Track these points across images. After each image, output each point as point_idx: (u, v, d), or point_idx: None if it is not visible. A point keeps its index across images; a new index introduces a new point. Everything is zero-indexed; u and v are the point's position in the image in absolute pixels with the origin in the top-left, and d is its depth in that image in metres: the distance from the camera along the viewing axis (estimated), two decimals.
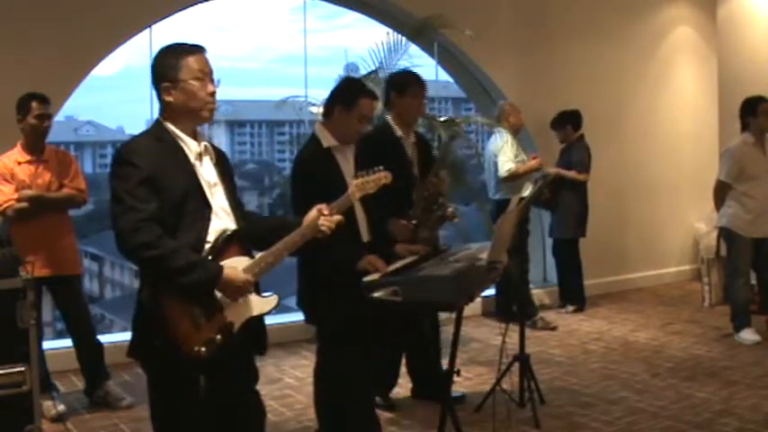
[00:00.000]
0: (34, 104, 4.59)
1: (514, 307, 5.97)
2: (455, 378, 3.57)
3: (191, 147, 2.68)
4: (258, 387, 2.89)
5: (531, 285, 6.93)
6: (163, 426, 2.70)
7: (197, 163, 2.67)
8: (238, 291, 2.59)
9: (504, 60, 7.32)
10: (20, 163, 4.62)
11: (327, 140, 3.67)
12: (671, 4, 8.50)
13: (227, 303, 2.60)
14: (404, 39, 5.85)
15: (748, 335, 5.97)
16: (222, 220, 2.67)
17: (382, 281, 3.18)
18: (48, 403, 4.43)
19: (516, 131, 6.66)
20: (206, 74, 2.66)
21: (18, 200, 4.51)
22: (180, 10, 5.98)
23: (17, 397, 3.52)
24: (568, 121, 7.08)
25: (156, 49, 2.73)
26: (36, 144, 4.66)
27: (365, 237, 3.72)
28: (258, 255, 2.73)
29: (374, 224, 3.77)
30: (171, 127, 2.66)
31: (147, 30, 5.81)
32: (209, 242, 2.62)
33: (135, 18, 5.73)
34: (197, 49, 2.68)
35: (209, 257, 2.59)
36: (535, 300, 7.00)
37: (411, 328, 4.57)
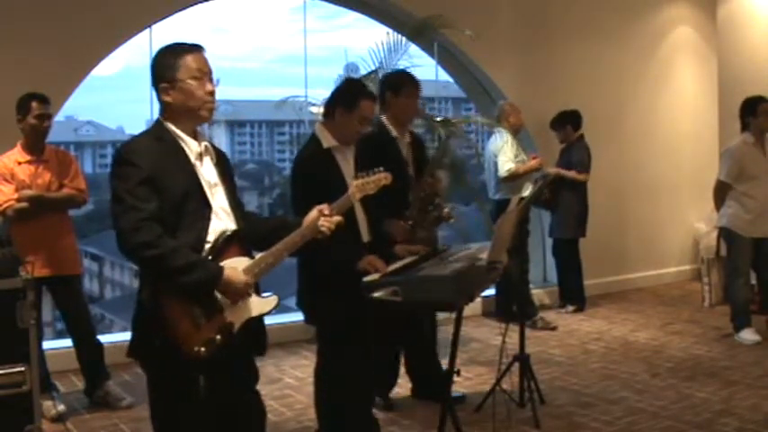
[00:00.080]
0: (34, 104, 4.59)
1: (514, 307, 5.97)
2: (455, 378, 3.57)
3: (191, 147, 2.67)
4: (258, 387, 2.89)
5: (531, 285, 6.93)
6: (163, 426, 2.70)
7: (197, 163, 2.67)
8: (238, 292, 2.59)
9: (504, 60, 7.32)
10: (20, 163, 4.62)
11: (328, 141, 3.67)
12: (671, 4, 8.50)
13: (226, 304, 2.60)
14: (404, 39, 5.84)
15: (748, 335, 5.97)
16: (222, 220, 2.67)
17: (382, 281, 3.18)
18: (48, 403, 4.42)
19: (516, 131, 6.66)
20: (204, 73, 2.66)
21: (18, 200, 4.51)
22: (180, 10, 5.98)
23: (17, 397, 3.52)
24: (568, 121, 7.08)
25: (156, 49, 2.73)
26: (36, 144, 4.66)
27: (365, 237, 3.72)
28: (258, 255, 2.73)
29: (374, 225, 3.78)
30: (171, 127, 2.66)
31: (147, 30, 5.81)
32: (208, 242, 2.61)
33: (135, 18, 5.73)
34: (195, 49, 2.68)
35: (209, 258, 2.60)
36: (535, 300, 7.01)
37: (409, 327, 4.57)
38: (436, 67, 7.18)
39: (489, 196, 6.76)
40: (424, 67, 6.11)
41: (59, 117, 5.67)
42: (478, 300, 6.74)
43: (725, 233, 6.12)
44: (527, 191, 6.35)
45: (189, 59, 2.64)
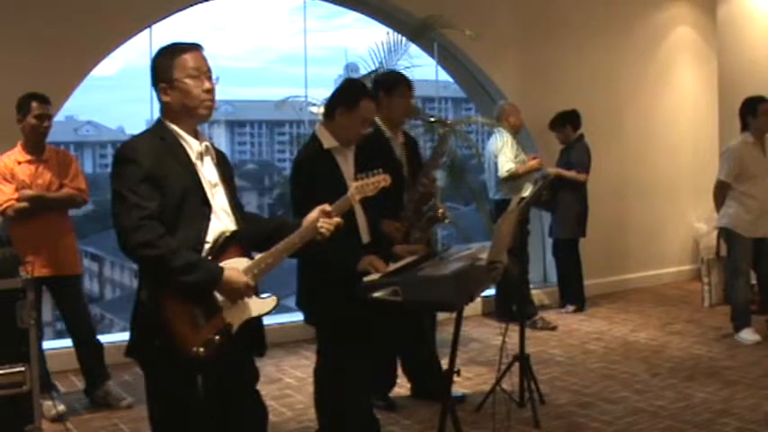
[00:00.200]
0: (34, 104, 4.59)
1: (514, 307, 5.97)
2: (455, 378, 3.56)
3: (192, 146, 2.68)
4: (258, 387, 2.89)
5: (531, 285, 6.94)
6: (162, 426, 2.70)
7: (198, 162, 2.67)
8: (238, 292, 2.59)
9: (504, 60, 7.32)
10: (20, 163, 4.62)
11: (328, 141, 3.66)
12: (671, 4, 8.50)
13: (226, 304, 2.60)
14: (404, 39, 5.85)
15: (748, 335, 5.97)
16: (222, 220, 2.67)
17: (382, 281, 3.18)
18: (48, 403, 4.42)
19: (516, 131, 6.66)
20: (202, 71, 2.65)
21: (18, 200, 4.52)
22: (180, 10, 5.98)
23: (17, 397, 3.51)
24: (567, 122, 7.08)
25: (155, 49, 2.73)
26: (36, 144, 4.66)
27: (365, 238, 3.71)
28: (257, 256, 2.73)
29: (373, 226, 3.77)
30: (172, 126, 2.66)
31: (147, 30, 5.81)
32: (208, 242, 2.61)
33: (135, 18, 5.73)
34: (192, 48, 2.67)
35: (209, 258, 2.59)
36: (535, 300, 7.01)
37: (407, 327, 4.56)
38: (436, 67, 7.18)
39: (489, 196, 6.76)
40: (424, 67, 6.12)
41: (59, 117, 5.67)
42: (478, 300, 6.74)
43: (725, 233, 6.12)
44: (527, 191, 6.36)
45: (186, 58, 2.64)
